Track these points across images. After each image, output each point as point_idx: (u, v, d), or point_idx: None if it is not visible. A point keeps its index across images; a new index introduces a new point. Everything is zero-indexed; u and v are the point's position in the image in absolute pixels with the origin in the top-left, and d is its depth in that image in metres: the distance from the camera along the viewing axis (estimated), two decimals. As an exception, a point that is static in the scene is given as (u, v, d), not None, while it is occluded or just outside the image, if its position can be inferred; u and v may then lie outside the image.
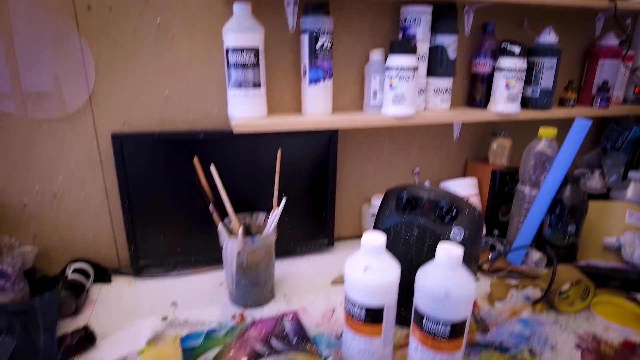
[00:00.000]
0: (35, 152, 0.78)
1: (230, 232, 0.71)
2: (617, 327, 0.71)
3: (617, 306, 0.77)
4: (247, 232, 0.71)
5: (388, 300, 0.56)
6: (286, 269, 0.90)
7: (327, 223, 0.94)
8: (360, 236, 0.58)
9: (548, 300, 0.77)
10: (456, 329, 0.53)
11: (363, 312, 0.56)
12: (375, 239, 0.55)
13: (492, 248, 0.95)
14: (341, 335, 0.69)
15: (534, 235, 0.88)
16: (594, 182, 1.09)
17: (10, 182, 0.78)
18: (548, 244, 0.88)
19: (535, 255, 0.89)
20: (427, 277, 0.54)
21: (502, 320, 0.74)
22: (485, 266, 0.89)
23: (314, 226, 0.94)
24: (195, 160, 0.71)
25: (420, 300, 0.55)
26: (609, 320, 0.72)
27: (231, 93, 0.78)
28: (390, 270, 0.56)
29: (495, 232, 1.01)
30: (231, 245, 0.68)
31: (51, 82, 0.75)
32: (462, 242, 0.62)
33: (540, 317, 0.75)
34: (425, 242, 0.65)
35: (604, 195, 1.08)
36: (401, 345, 0.67)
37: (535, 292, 0.82)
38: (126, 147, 0.78)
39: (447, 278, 0.52)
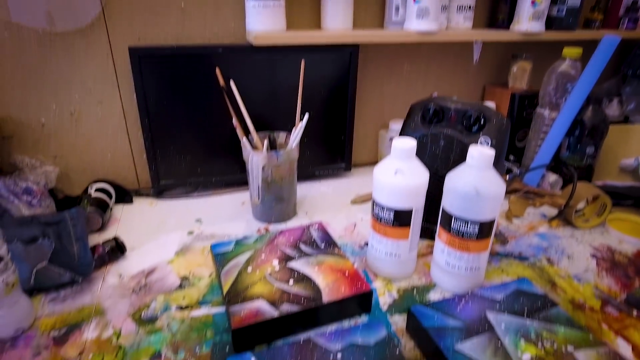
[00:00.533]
0: (49, 69, 0.76)
1: (254, 147, 0.71)
2: (632, 240, 0.73)
3: (632, 222, 0.79)
4: (271, 147, 0.71)
5: (416, 203, 0.57)
6: (305, 191, 0.91)
7: (345, 146, 0.94)
8: (376, 163, 0.58)
9: (565, 217, 0.79)
10: (484, 229, 0.54)
11: (392, 215, 0.57)
12: (406, 142, 0.55)
13: (509, 171, 0.96)
14: (365, 245, 0.71)
15: (551, 157, 0.89)
16: (612, 109, 1.08)
17: (26, 100, 0.77)
18: (565, 166, 0.88)
19: (552, 177, 0.90)
20: (458, 178, 0.54)
21: (520, 234, 0.76)
22: (503, 187, 0.90)
23: (331, 150, 0.94)
24: (218, 71, 0.69)
25: (450, 202, 0.55)
26: (623, 234, 0.74)
27: (250, 4, 0.74)
28: (420, 173, 0.56)
29: (512, 157, 1.01)
30: (256, 159, 0.68)
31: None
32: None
33: (556, 231, 0.77)
34: (451, 153, 0.65)
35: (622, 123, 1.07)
36: (423, 254, 0.69)
37: (551, 211, 0.84)
38: (144, 62, 0.76)
39: (479, 177, 0.52)
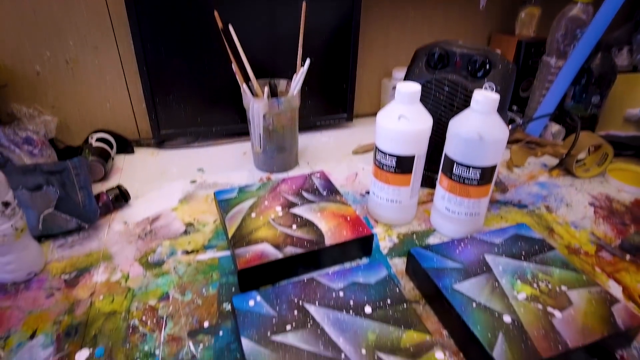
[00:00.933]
0: (41, 14, 0.73)
1: (254, 94, 0.70)
2: (631, 189, 0.74)
3: (632, 172, 0.79)
4: (272, 94, 0.70)
5: (419, 149, 0.57)
6: (306, 141, 0.91)
7: (347, 96, 0.92)
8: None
9: (565, 166, 0.79)
10: (486, 175, 0.55)
11: (394, 161, 0.57)
12: (410, 86, 0.54)
13: (511, 122, 0.95)
14: (366, 193, 0.72)
15: (556, 106, 0.88)
16: (622, 58, 1.05)
17: (19, 47, 0.75)
18: (569, 115, 0.87)
19: (554, 127, 0.89)
20: (461, 123, 0.54)
21: (520, 183, 0.77)
22: (505, 137, 0.89)
23: (333, 100, 0.92)
24: (216, 14, 0.67)
25: (452, 148, 0.55)
26: (623, 183, 0.74)
27: (248, -58, 0.71)
28: (423, 119, 0.56)
29: (515, 107, 1.00)
30: (257, 107, 0.67)
31: None
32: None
33: (556, 181, 0.77)
34: (455, 99, 0.64)
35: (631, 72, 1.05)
36: (424, 202, 0.70)
37: (552, 161, 0.84)
38: (139, 5, 0.73)
39: (482, 122, 0.52)
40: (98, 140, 0.80)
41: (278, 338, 0.41)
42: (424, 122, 0.56)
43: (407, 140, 0.55)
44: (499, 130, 0.53)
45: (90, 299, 0.52)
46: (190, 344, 0.46)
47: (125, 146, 0.86)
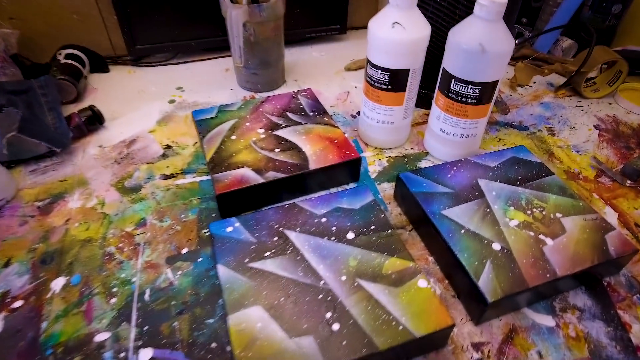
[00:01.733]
0: None
1: (233, 0, 0.62)
2: (641, 110, 0.69)
3: (645, 91, 0.73)
4: (253, 0, 0.62)
5: (415, 62, 0.51)
6: (295, 56, 0.84)
7: (340, 5, 0.83)
8: None
9: (573, 85, 0.73)
10: (485, 92, 0.50)
11: (387, 76, 0.51)
12: (406, -12, 0.47)
13: (519, 35, 0.87)
14: (357, 114, 0.67)
15: (569, 18, 0.79)
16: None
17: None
18: (584, 28, 0.79)
19: (566, 42, 0.82)
20: (462, 31, 0.48)
21: (522, 103, 0.71)
22: (511, 53, 0.82)
23: (325, 9, 0.83)
24: None
25: (451, 60, 0.50)
26: (633, 104, 0.69)
27: None
28: (420, 27, 0.49)
29: (524, 19, 0.90)
30: (235, 14, 0.60)
31: None
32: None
33: (562, 101, 0.72)
34: (458, 5, 0.56)
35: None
36: (418, 123, 0.66)
37: (560, 80, 0.78)
38: None
39: (486, 30, 0.46)
40: (67, 57, 0.73)
41: (256, 265, 0.40)
42: (421, 30, 0.49)
43: (401, 52, 0.49)
44: (504, 41, 0.47)
45: (66, 226, 0.50)
46: (168, 270, 0.45)
47: (100, 64, 0.79)
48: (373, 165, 0.58)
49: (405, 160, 0.58)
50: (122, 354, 0.38)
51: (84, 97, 0.72)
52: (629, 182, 0.55)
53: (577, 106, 0.71)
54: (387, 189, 0.54)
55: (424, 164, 0.58)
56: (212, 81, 0.75)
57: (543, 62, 0.81)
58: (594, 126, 0.66)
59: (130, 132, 0.64)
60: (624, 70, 0.70)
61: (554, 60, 0.79)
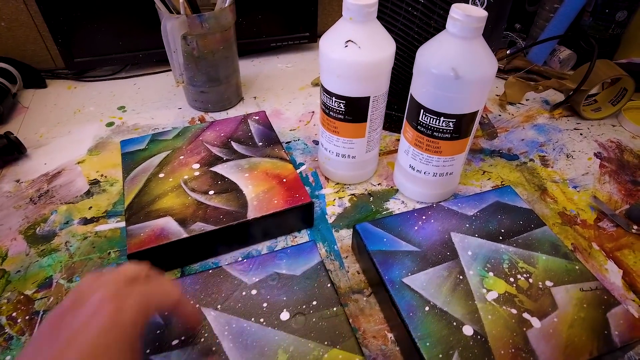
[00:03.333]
0: None
1: (171, 9, 0.52)
2: (649, 133, 0.60)
3: (653, 111, 0.64)
4: (194, 9, 0.53)
5: (376, 88, 0.42)
6: (257, 68, 0.74)
7: (308, 10, 0.73)
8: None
9: (571, 104, 0.64)
10: (462, 126, 0.40)
11: (342, 105, 0.42)
12: (362, -2, 0.38)
13: (511, 45, 0.78)
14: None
15: (568, 26, 0.70)
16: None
17: None
18: (584, 37, 0.70)
19: (564, 52, 0.73)
20: (432, 52, 0.38)
21: (513, 125, 0.62)
22: (501, 64, 0.73)
23: (292, 15, 0.74)
24: None
25: (419, 87, 0.40)
26: (639, 127, 0.60)
27: None
28: (381, 45, 0.40)
29: (517, 26, 0.81)
30: (171, 26, 0.51)
31: None
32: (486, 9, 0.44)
33: (558, 123, 0.63)
34: (433, 16, 0.47)
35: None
36: (389, 151, 0.57)
37: (557, 97, 0.69)
38: None
39: (460, 51, 0.37)
40: (-5, 70, 0.64)
41: (157, 359, 0.31)
42: (382, 49, 0.40)
43: (358, 76, 0.40)
44: (484, 64, 0.37)
45: (-47, 286, 0.41)
46: (63, 351, 0.36)
47: (35, 79, 0.70)
48: (332, 205, 0.49)
49: (371, 199, 0.49)
50: None
51: (10, 118, 0.63)
52: (635, 227, 0.46)
53: (575, 129, 0.62)
54: (345, 237, 0.45)
55: (392, 204, 0.49)
56: (159, 99, 0.66)
57: (538, 75, 0.72)
58: (595, 154, 0.57)
59: (55, 163, 0.55)
60: (629, 88, 0.61)
61: (550, 74, 0.70)
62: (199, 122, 0.61)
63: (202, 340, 0.32)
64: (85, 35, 0.66)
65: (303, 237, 0.45)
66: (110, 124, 0.61)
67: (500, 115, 0.64)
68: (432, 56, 0.38)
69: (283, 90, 0.69)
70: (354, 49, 0.39)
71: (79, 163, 0.55)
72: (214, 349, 0.31)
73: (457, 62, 0.37)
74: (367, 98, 0.42)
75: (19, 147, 0.55)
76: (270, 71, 0.74)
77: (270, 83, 0.70)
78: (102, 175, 0.53)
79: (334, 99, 0.42)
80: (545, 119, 0.64)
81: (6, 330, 0.38)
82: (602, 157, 0.57)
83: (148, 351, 0.31)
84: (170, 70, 0.72)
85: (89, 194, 0.51)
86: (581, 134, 0.61)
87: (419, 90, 0.41)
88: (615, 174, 0.54)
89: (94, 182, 0.52)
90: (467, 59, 0.37)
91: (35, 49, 0.70)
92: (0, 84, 0.62)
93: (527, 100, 0.68)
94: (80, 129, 0.61)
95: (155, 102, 0.66)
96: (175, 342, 0.32)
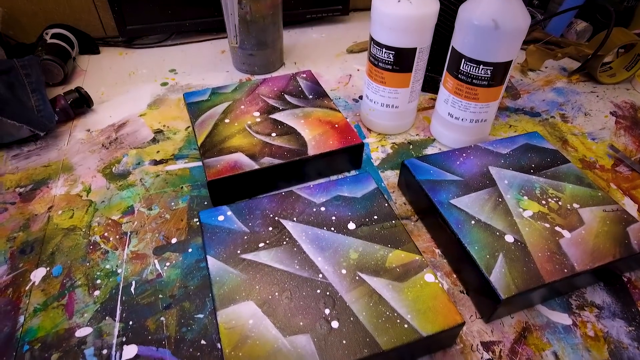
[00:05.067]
0: None
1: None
2: (659, 96, 0.65)
3: (664, 76, 0.69)
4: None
5: (422, 40, 0.47)
6: (294, 38, 0.80)
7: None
8: None
9: (587, 70, 0.69)
10: (497, 73, 0.46)
11: (392, 56, 0.48)
12: (414, -42, 0.43)
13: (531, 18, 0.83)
14: (359, 98, 0.64)
15: (584, 0, 0.75)
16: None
17: None
18: (600, 9, 0.75)
19: (580, 24, 0.78)
20: (474, 6, 0.44)
21: (534, 88, 0.68)
22: (522, 36, 0.78)
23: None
24: None
25: (461, 39, 0.46)
26: (651, 89, 0.66)
27: None
28: (428, 2, 0.45)
29: (535, 1, 0.86)
30: (230, -10, 0.56)
31: None
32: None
33: (576, 87, 0.68)
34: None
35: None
36: (424, 108, 0.62)
37: (573, 64, 0.74)
38: None
39: (500, 6, 0.42)
40: (54, 36, 0.70)
41: (249, 256, 0.37)
42: (429, 5, 0.45)
43: (408, 28, 0.46)
44: (520, 18, 0.43)
45: (48, 214, 0.47)
46: (156, 261, 0.42)
47: (90, 45, 0.75)
48: (376, 152, 0.54)
49: (411, 147, 0.55)
50: (105, 351, 0.35)
51: (71, 79, 0.69)
52: (648, 171, 0.52)
53: (592, 92, 0.67)
54: (390, 177, 0.51)
55: (430, 150, 0.54)
56: (206, 63, 0.72)
57: (556, 46, 0.77)
58: (611, 113, 0.63)
59: (119, 115, 0.61)
60: (642, 54, 0.67)
61: (567, 44, 0.75)
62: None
63: (285, 243, 0.38)
64: (137, 5, 0.71)
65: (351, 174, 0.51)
66: (164, 84, 0.67)
67: (522, 79, 0.70)
68: (474, 10, 0.44)
69: (320, 57, 0.74)
70: (405, 5, 0.44)
71: (141, 116, 0.60)
72: (295, 249, 0.37)
73: (497, 14, 0.42)
74: (414, 49, 0.47)
75: (88, 101, 0.60)
76: (306, 41, 0.79)
77: (308, 51, 0.76)
78: (164, 126, 0.58)
79: (384, 49, 0.48)
80: (564, 83, 0.69)
81: (102, 246, 0.43)
82: (618, 115, 0.62)
83: (239, 251, 0.37)
84: (213, 39, 0.78)
85: (154, 140, 0.56)
86: (597, 96, 0.66)
87: (461, 41, 0.46)
88: (629, 129, 0.59)
89: (158, 131, 0.57)
90: (506, 12, 0.42)
91: (89, 18, 0.76)
92: (63, 48, 0.68)
93: (545, 67, 0.73)
94: (138, 88, 0.66)
95: (203, 66, 0.71)
96: (261, 244, 0.38)
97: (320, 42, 0.79)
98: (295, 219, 0.40)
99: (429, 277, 0.35)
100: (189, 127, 0.58)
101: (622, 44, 0.65)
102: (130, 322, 0.37)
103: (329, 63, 0.72)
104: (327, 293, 0.34)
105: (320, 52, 0.75)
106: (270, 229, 0.39)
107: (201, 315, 0.37)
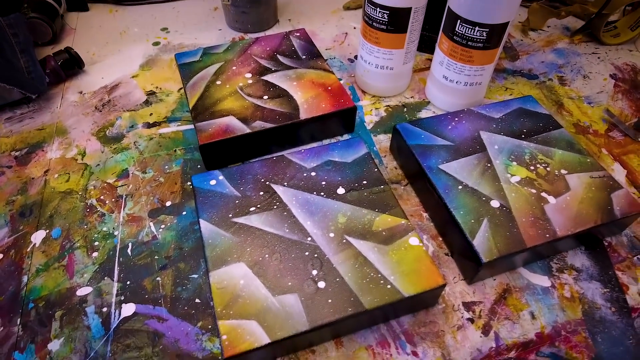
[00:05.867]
0: None
1: None
2: (662, 57, 0.64)
3: (669, 36, 0.67)
4: None
5: (417, 0, 0.46)
6: (290, -6, 0.77)
7: (339, -64, 0.75)
8: None
9: (591, 30, 0.67)
10: (493, 36, 0.45)
11: (386, 15, 0.46)
12: None
13: (537, -26, 0.79)
14: (355, 58, 0.62)
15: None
16: None
17: None
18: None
19: (588, -20, 0.74)
20: (473, -35, 0.42)
21: (534, 49, 0.66)
22: (526, -8, 0.75)
23: (322, -59, 0.75)
24: None
25: None
26: (654, 50, 0.64)
27: None
28: (425, -41, 0.43)
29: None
30: (220, -56, 0.54)
31: None
32: None
33: (577, 48, 0.67)
34: None
35: None
36: (420, 69, 0.61)
37: (577, 24, 0.71)
38: None
39: (500, -37, 0.40)
40: (40, -9, 0.67)
41: (240, 220, 0.38)
42: (426, -37, 0.44)
43: (402, -12, 0.44)
44: (520, -25, 0.41)
45: (44, 177, 0.47)
46: (151, 224, 0.43)
47: (78, 2, 0.73)
48: (370, 115, 0.54)
49: (405, 110, 0.55)
50: (105, 309, 0.37)
51: (60, 38, 0.67)
52: (641, 136, 0.52)
53: (593, 53, 0.65)
54: (383, 140, 0.51)
55: (424, 114, 0.54)
56: (199, 21, 0.70)
57: (560, 3, 0.74)
58: (610, 75, 0.61)
59: (111, 77, 0.60)
60: (648, 13, 0.64)
61: (572, 1, 0.73)
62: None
63: (275, 207, 0.39)
64: (125, -43, 0.68)
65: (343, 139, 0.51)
66: (156, 44, 0.65)
67: (522, 40, 0.68)
68: (472, -33, 0.42)
69: (316, 13, 0.72)
70: (400, -40, 0.43)
71: (133, 77, 0.60)
72: (285, 213, 0.38)
73: (495, -28, 0.41)
74: (409, 9, 0.46)
75: (79, 61, 0.59)
76: (301, -4, 0.76)
77: (303, 7, 0.73)
78: (157, 87, 0.58)
79: (378, 9, 0.46)
80: (565, 44, 0.67)
81: (98, 209, 0.44)
82: (617, 77, 0.61)
83: (230, 215, 0.38)
84: (205, -6, 0.75)
85: (147, 103, 0.56)
86: (599, 58, 0.64)
87: (457, 1, 0.45)
88: (628, 93, 0.59)
89: (151, 93, 0.57)
90: (505, -31, 0.41)
91: (75, -28, 0.73)
92: (50, 4, 0.66)
93: (548, 27, 0.71)
94: (129, 47, 0.65)
95: (195, 24, 0.69)
96: (252, 208, 0.38)
97: (316, -1, 0.76)
98: (286, 183, 0.40)
99: (413, 240, 0.36)
100: (181, 88, 0.58)
101: (628, 2, 0.63)
102: (128, 282, 0.39)
103: (325, 20, 0.70)
104: (315, 255, 0.35)
105: (317, 9, 0.73)
106: (262, 193, 0.40)
107: (195, 276, 0.39)
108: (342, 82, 0.58)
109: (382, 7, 0.46)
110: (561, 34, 0.69)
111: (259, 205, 0.39)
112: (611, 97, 0.58)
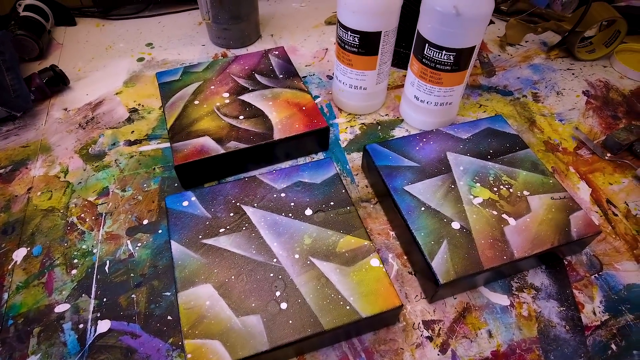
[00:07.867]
0: None
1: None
2: (636, 75, 0.65)
3: (643, 53, 0.69)
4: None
5: (387, 23, 0.47)
6: (272, 8, 0.78)
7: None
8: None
9: (567, 45, 0.69)
10: (461, 59, 0.46)
11: (357, 39, 0.48)
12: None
13: (518, -12, 0.80)
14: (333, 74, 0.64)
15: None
16: None
17: None
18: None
19: (567, -5, 0.76)
20: (437, -7, 0.43)
21: (511, 64, 0.67)
22: (504, 6, 0.76)
23: (306, -43, 0.77)
24: None
25: (425, 24, 0.46)
26: (628, 68, 0.65)
27: None
28: (393, -14, 0.45)
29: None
30: (199, -34, 0.55)
31: None
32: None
33: (553, 63, 0.68)
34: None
35: None
36: (397, 86, 0.62)
37: (554, 39, 0.73)
38: None
39: (462, -8, 0.42)
40: (28, 8, 0.69)
41: (209, 241, 0.39)
42: (394, -10, 0.45)
43: (371, 12, 0.46)
44: (482, 3, 0.43)
45: (28, 195, 0.49)
46: (128, 242, 0.45)
47: (65, 16, 0.74)
48: (345, 132, 0.56)
49: (379, 127, 0.56)
50: (81, 325, 0.39)
51: (47, 53, 0.69)
52: (608, 155, 0.53)
53: (568, 69, 0.67)
54: (356, 159, 0.53)
55: (397, 132, 0.56)
56: (183, 36, 0.71)
57: (539, 17, 0.76)
58: (583, 92, 0.63)
59: (96, 93, 0.62)
60: (622, 30, 0.66)
61: (551, 16, 0.74)
62: (222, 58, 0.66)
63: (244, 229, 0.40)
64: (111, -26, 0.70)
65: (320, 158, 0.53)
66: (140, 59, 0.67)
67: (499, 55, 0.69)
68: (437, -5, 0.43)
69: (298, 28, 0.73)
70: (368, -12, 0.44)
71: (117, 94, 0.61)
72: (253, 234, 0.40)
73: (458, 0, 0.42)
74: (379, 33, 0.47)
75: (64, 78, 0.61)
76: (285, 10, 0.78)
77: (286, 22, 0.75)
78: (139, 105, 0.59)
79: (349, 33, 0.48)
80: (542, 59, 0.69)
81: (79, 227, 0.46)
82: (590, 94, 0.62)
83: (200, 236, 0.40)
84: (191, 9, 0.76)
85: (129, 120, 0.57)
86: (573, 74, 0.66)
87: (425, 26, 0.46)
88: (599, 110, 0.60)
89: (133, 110, 0.59)
90: (468, -2, 0.42)
91: (63, -13, 0.74)
92: (37, 21, 0.67)
93: (526, 41, 0.72)
94: (114, 63, 0.66)
95: (180, 39, 0.71)
96: (222, 230, 0.40)
97: (300, 13, 0.77)
98: (256, 204, 0.42)
99: (374, 261, 0.38)
100: (162, 106, 0.59)
101: (602, 20, 0.64)
102: (104, 299, 0.40)
103: (307, 35, 0.72)
104: (280, 277, 0.37)
105: (298, 23, 0.74)
106: (232, 214, 0.41)
107: (168, 293, 0.41)
108: (319, 99, 0.60)
109: (353, 31, 0.47)
110: (538, 49, 0.71)
111: (228, 227, 0.40)
112: (582, 114, 0.59)
